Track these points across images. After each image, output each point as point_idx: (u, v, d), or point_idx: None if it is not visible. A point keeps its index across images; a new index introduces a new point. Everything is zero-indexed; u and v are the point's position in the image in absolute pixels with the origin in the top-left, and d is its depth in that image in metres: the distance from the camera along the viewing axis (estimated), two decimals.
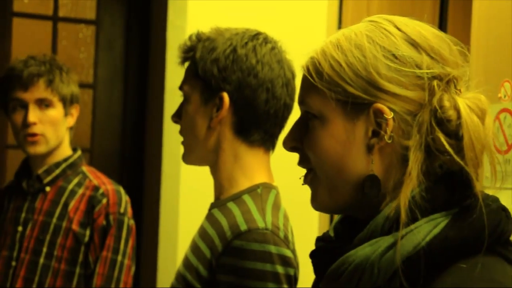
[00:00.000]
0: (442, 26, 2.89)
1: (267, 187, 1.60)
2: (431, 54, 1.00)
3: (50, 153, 2.27)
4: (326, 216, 2.91)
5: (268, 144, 1.64)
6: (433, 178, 0.98)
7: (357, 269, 0.95)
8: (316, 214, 2.93)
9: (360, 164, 1.01)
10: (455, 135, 0.96)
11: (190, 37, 1.66)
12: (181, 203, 2.90)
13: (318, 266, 1.04)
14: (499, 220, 0.96)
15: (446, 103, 0.97)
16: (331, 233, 1.08)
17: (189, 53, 1.64)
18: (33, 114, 2.21)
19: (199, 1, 2.90)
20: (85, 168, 2.33)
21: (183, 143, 1.68)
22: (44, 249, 2.20)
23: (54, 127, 2.24)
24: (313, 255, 1.06)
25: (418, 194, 0.96)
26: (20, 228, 2.24)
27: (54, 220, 2.22)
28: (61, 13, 3.20)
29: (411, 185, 0.96)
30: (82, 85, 2.39)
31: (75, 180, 2.29)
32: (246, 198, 1.56)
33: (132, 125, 3.21)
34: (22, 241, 2.23)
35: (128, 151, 3.21)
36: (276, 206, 1.56)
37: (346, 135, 1.01)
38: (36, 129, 2.22)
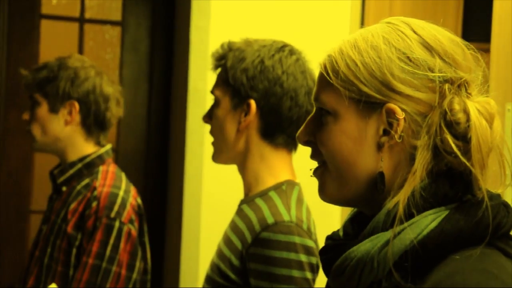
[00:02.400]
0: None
1: (291, 184, 1.71)
2: (444, 58, 1.03)
3: (63, 152, 2.23)
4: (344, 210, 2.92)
5: (291, 146, 1.77)
6: (436, 176, 1.00)
7: (359, 264, 0.98)
8: (336, 208, 2.96)
9: (370, 161, 1.04)
10: (463, 137, 0.98)
11: (222, 46, 1.78)
12: (203, 201, 2.94)
13: (326, 263, 1.07)
14: (495, 213, 0.97)
15: (456, 106, 1.00)
16: (341, 233, 1.10)
17: (221, 61, 1.77)
18: (26, 112, 2.25)
19: (223, 3, 2.94)
20: (102, 168, 2.21)
21: (213, 143, 1.80)
22: (49, 250, 2.15)
23: (40, 124, 2.21)
24: (321, 252, 1.09)
25: (419, 190, 0.98)
26: (44, 227, 2.24)
27: (59, 221, 2.16)
28: (87, 15, 3.25)
29: (414, 182, 0.99)
30: None
31: (86, 181, 2.18)
32: (272, 194, 1.68)
33: (157, 125, 3.26)
34: (40, 240, 2.22)
35: (153, 151, 3.25)
36: (300, 201, 1.68)
37: (358, 132, 1.04)
38: (27, 126, 2.25)
